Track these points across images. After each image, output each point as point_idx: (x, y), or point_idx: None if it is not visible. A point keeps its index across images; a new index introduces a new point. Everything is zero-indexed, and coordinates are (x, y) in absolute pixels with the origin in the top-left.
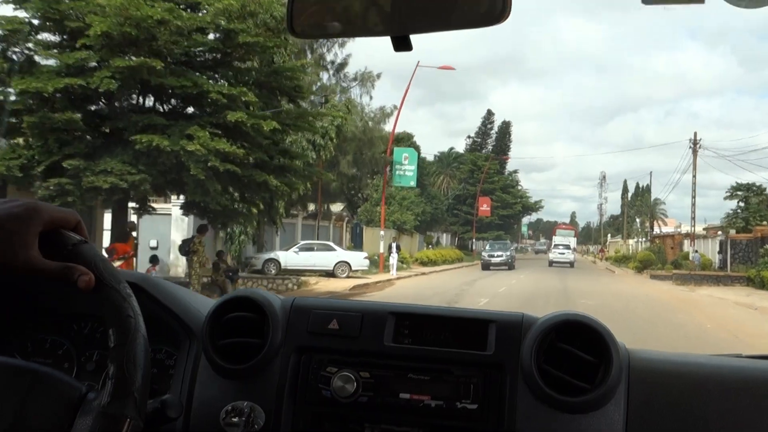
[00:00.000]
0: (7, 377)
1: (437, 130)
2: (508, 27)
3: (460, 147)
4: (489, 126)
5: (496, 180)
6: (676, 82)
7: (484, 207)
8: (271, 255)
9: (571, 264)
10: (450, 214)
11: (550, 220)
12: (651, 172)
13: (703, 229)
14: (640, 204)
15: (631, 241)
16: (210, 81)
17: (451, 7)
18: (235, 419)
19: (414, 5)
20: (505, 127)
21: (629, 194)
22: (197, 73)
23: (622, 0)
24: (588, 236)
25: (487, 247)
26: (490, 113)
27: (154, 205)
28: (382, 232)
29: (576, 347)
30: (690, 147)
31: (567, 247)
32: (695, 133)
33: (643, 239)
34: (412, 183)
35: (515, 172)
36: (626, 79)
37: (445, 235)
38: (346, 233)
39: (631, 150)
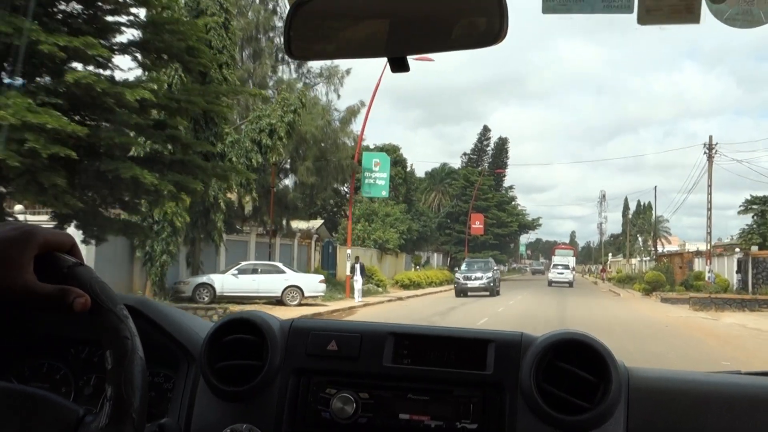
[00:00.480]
0: (5, 402)
1: (437, 151)
2: (508, 49)
3: (458, 166)
4: (485, 143)
5: (490, 197)
6: (674, 102)
7: (477, 224)
8: (204, 279)
9: (570, 284)
10: (442, 232)
11: (550, 239)
12: (656, 187)
13: (713, 247)
14: (642, 222)
15: (634, 261)
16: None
17: (447, 29)
18: None
19: (411, 27)
20: (502, 144)
21: (630, 212)
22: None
23: (621, 22)
24: (588, 256)
25: (463, 267)
26: (486, 129)
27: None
28: (348, 251)
29: (575, 366)
30: (705, 152)
31: (566, 267)
32: (710, 137)
33: (647, 258)
34: (384, 193)
35: (511, 188)
36: (625, 99)
37: (436, 255)
38: (315, 253)
39: (631, 170)
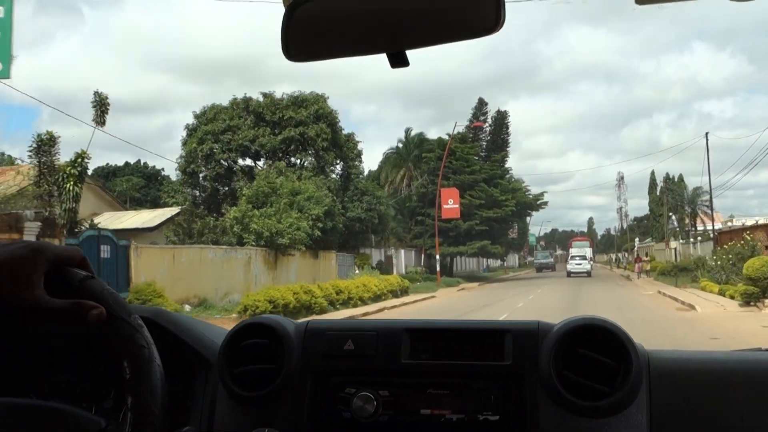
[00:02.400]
0: (28, 418)
1: None
2: (515, 42)
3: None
4: (481, 118)
5: (476, 168)
6: (687, 84)
7: (450, 204)
8: None
9: (588, 273)
10: (413, 221)
11: (566, 229)
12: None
13: None
14: (674, 198)
15: (674, 243)
16: None
17: (443, 20)
18: None
19: (406, 21)
20: (501, 118)
21: (658, 188)
22: None
23: (626, 6)
24: (610, 244)
25: None
26: (482, 102)
27: None
28: None
29: (594, 352)
30: None
31: (583, 257)
32: None
33: (693, 240)
34: None
35: (504, 156)
36: (637, 85)
37: (404, 252)
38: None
39: (647, 156)
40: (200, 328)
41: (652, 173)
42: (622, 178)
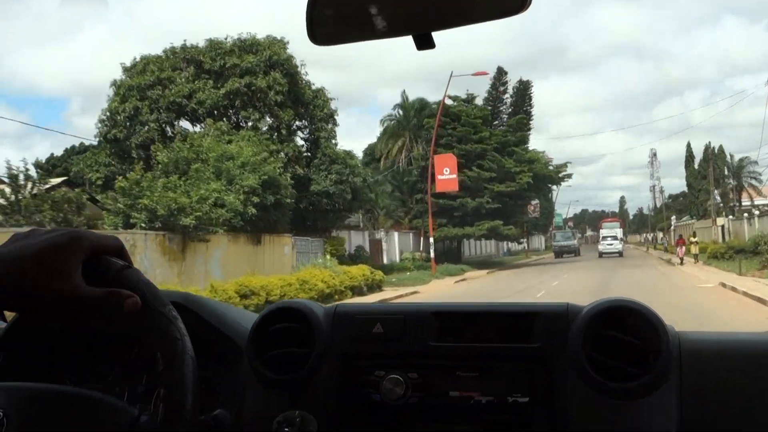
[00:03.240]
0: (63, 405)
1: None
2: (544, 21)
3: None
4: (501, 89)
5: (485, 135)
6: (720, 60)
7: (446, 174)
8: None
9: (620, 254)
10: (413, 199)
11: (597, 209)
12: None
13: None
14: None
15: (721, 221)
16: None
17: (470, 0)
18: (288, 429)
19: (433, 2)
20: (524, 88)
21: (696, 161)
22: None
23: None
24: (643, 224)
25: None
26: (501, 72)
27: None
28: None
29: (624, 333)
30: None
31: (615, 238)
32: None
33: (748, 216)
34: None
35: (523, 124)
36: (669, 62)
37: (397, 235)
38: None
39: (679, 135)
40: (229, 312)
41: (689, 145)
42: (654, 154)
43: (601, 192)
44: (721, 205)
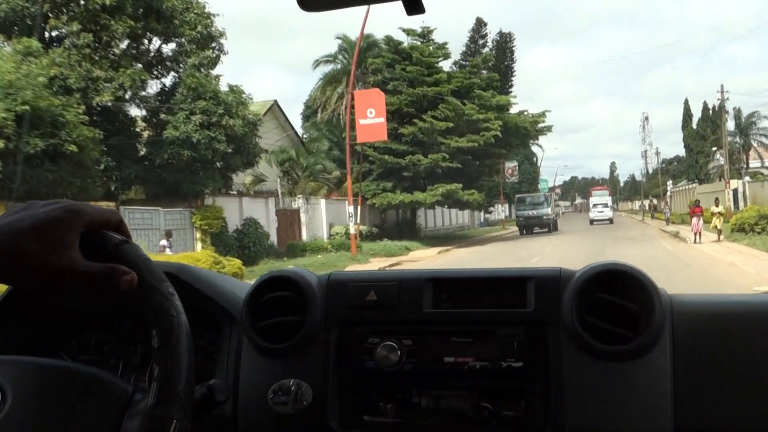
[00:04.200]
0: (58, 381)
1: None
2: None
3: None
4: (481, 42)
5: (441, 77)
6: (710, 27)
7: (371, 117)
8: None
9: (611, 220)
10: (356, 158)
11: (587, 177)
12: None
13: None
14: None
15: (735, 183)
16: None
17: None
18: (283, 398)
19: None
20: (504, 41)
21: (694, 119)
22: None
23: None
24: (635, 191)
25: None
26: (480, 23)
27: None
28: None
29: (616, 296)
30: None
31: (605, 205)
32: None
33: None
34: None
35: (492, 58)
36: (660, 29)
37: (323, 203)
38: None
39: (669, 102)
40: (223, 282)
41: (686, 103)
42: (647, 118)
43: (592, 160)
44: (726, 167)
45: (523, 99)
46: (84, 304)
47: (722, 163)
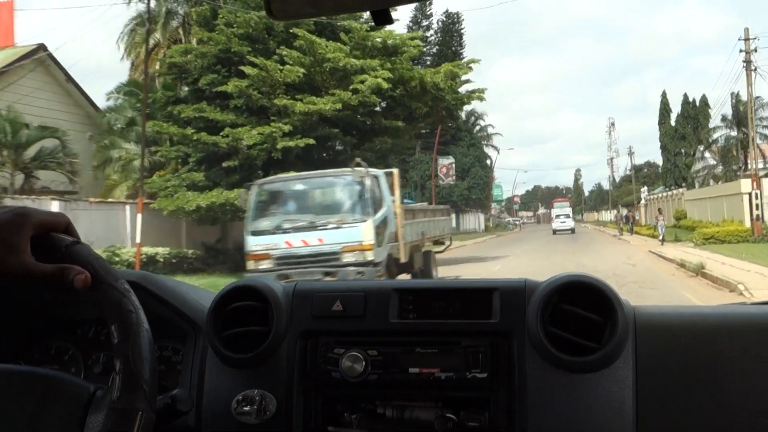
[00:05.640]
0: (18, 385)
1: None
2: None
3: None
4: (425, 23)
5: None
6: (678, 40)
7: None
8: None
9: (573, 230)
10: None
11: (550, 186)
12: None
13: None
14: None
15: (745, 185)
16: None
17: None
18: (247, 408)
19: None
20: (452, 22)
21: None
22: None
23: None
24: (601, 200)
25: None
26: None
27: None
28: None
29: (580, 308)
30: None
31: (567, 216)
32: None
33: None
34: None
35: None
36: (629, 41)
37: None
38: None
39: (637, 113)
40: (188, 291)
41: (664, 95)
42: (612, 124)
43: (559, 171)
44: (719, 168)
45: (492, 109)
46: (44, 311)
47: (711, 163)
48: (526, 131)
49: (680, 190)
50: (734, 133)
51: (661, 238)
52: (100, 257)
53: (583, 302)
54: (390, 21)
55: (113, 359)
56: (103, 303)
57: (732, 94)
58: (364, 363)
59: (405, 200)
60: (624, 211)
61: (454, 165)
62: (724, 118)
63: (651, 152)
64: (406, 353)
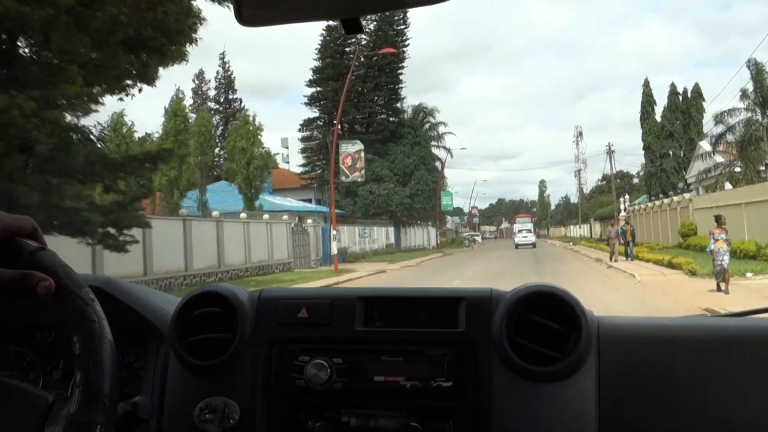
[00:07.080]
0: None
1: None
2: (472, 13)
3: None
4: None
5: None
6: (639, 58)
7: None
8: None
9: (534, 245)
10: None
11: (514, 199)
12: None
13: None
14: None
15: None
16: None
17: None
18: (210, 416)
19: None
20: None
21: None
22: None
23: None
24: (568, 213)
25: None
26: None
27: None
28: None
29: (545, 318)
30: None
31: (529, 231)
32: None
33: None
34: None
35: None
36: (592, 59)
37: None
38: None
39: (599, 129)
40: (152, 296)
41: (646, 83)
42: (580, 133)
43: (524, 186)
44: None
45: (458, 124)
46: (3, 315)
47: (720, 161)
48: (494, 146)
49: (686, 196)
50: (758, 117)
51: (718, 275)
52: (65, 264)
53: (548, 312)
54: (360, 30)
55: (73, 366)
56: (65, 311)
57: (749, 61)
58: (329, 371)
59: None
60: (621, 222)
61: (362, 154)
62: (744, 94)
63: (620, 164)
64: (371, 361)
